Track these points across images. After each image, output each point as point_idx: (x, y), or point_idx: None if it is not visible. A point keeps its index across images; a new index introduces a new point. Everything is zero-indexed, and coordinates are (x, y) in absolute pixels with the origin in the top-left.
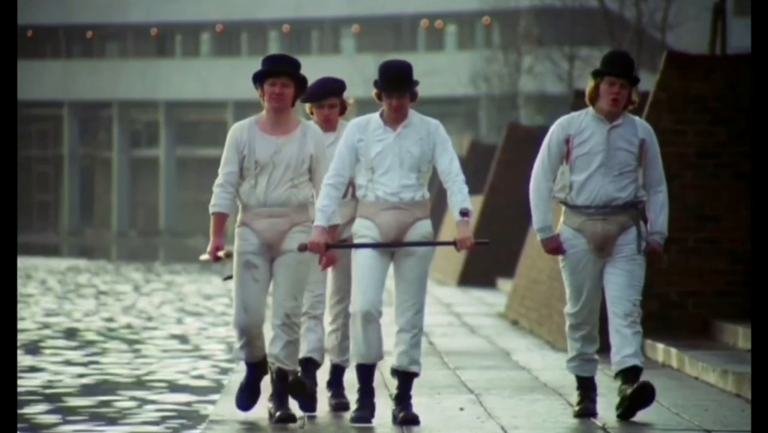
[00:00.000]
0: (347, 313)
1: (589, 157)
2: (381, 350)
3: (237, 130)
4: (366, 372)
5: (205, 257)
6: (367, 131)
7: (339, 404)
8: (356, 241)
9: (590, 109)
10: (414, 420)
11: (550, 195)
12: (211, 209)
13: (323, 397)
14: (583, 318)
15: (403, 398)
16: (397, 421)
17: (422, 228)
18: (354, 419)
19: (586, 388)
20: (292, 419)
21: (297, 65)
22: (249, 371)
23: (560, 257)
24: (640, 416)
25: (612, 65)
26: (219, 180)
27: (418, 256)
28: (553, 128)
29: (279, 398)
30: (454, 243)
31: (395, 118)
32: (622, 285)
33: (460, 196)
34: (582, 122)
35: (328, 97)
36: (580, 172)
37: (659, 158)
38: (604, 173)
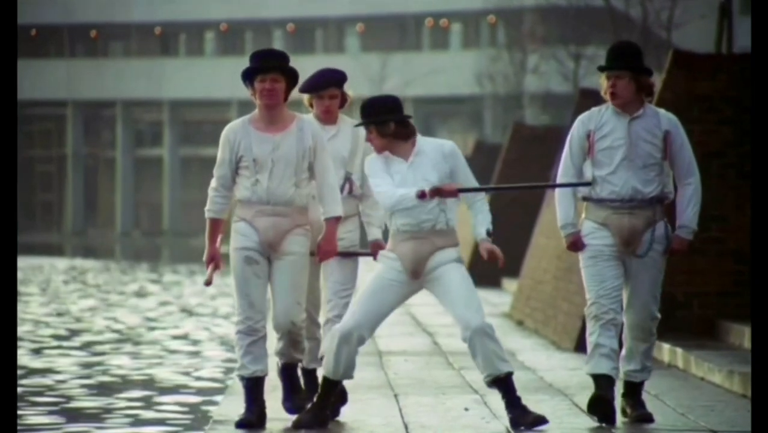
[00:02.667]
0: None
1: (611, 151)
2: (351, 371)
3: (229, 131)
4: (328, 385)
5: (206, 279)
6: (386, 164)
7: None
8: (381, 272)
9: (610, 103)
10: (542, 420)
11: (572, 192)
12: (207, 214)
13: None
14: (605, 305)
15: (516, 402)
16: (525, 427)
17: (444, 256)
18: (296, 422)
19: (603, 388)
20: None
21: (286, 58)
22: (247, 390)
23: (580, 255)
24: None
25: (607, 59)
26: (213, 183)
27: (450, 263)
28: (574, 124)
29: (288, 395)
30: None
31: (383, 148)
32: (645, 299)
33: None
34: (602, 117)
35: (329, 87)
36: (603, 167)
37: (687, 148)
38: (627, 167)
